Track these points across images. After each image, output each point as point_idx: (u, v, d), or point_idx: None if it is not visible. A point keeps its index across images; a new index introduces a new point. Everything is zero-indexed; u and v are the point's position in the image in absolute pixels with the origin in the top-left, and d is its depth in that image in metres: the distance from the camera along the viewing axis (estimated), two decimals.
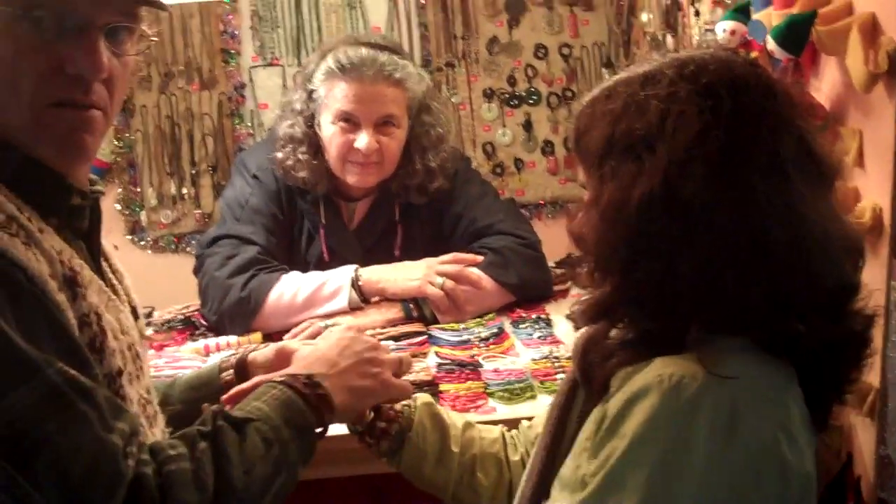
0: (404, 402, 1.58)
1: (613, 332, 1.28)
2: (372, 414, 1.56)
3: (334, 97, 2.44)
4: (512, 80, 3.33)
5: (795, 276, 1.17)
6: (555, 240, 2.75)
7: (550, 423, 1.37)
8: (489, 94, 3.34)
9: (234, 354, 1.68)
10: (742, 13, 2.03)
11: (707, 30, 2.28)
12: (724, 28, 2.02)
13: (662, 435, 1.13)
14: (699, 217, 1.16)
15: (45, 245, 1.17)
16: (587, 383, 1.31)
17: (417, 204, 2.58)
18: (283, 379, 1.37)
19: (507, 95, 3.33)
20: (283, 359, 1.57)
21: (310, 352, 1.51)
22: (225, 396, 1.48)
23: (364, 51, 2.44)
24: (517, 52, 3.33)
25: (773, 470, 1.14)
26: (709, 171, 1.16)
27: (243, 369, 1.63)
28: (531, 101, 3.34)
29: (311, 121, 2.52)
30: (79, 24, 1.18)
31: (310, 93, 2.51)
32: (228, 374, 1.61)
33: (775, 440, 1.14)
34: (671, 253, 1.17)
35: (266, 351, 1.62)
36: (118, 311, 1.29)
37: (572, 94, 3.34)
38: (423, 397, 1.63)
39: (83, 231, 1.29)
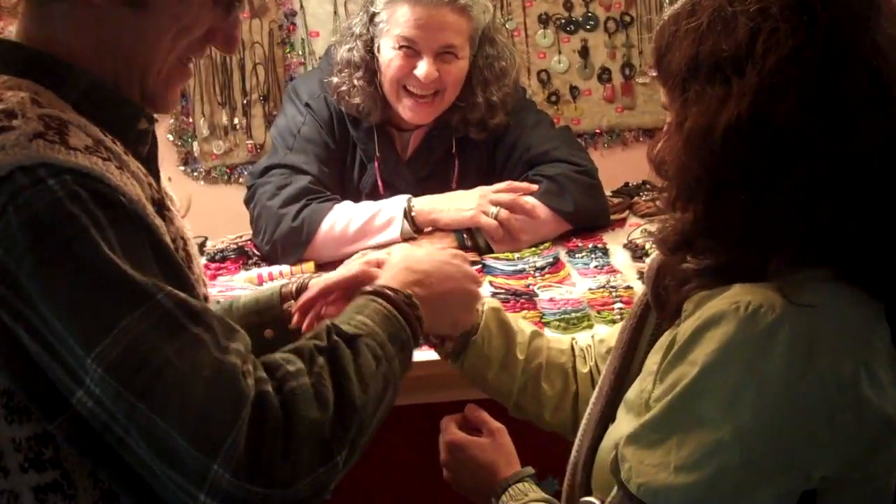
0: None
1: (689, 257, 1.22)
2: None
3: (396, 21, 2.38)
4: (568, 5, 3.23)
5: (894, 205, 1.11)
6: (611, 169, 2.71)
7: (620, 345, 1.34)
8: (544, 20, 3.24)
9: (292, 280, 1.65)
10: None
11: None
12: None
13: (735, 364, 1.08)
14: (792, 143, 1.09)
15: (133, 167, 1.15)
16: (660, 308, 1.27)
17: (476, 139, 2.51)
18: (382, 291, 1.31)
19: (563, 21, 3.24)
20: (368, 279, 1.46)
21: (410, 264, 1.42)
22: (296, 306, 1.48)
23: None
24: None
25: (848, 407, 1.08)
26: (803, 94, 1.09)
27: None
28: (588, 27, 3.25)
29: (370, 45, 2.46)
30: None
31: (371, 16, 2.44)
32: (288, 305, 1.57)
33: (855, 376, 1.08)
34: (760, 181, 1.11)
35: (347, 270, 1.55)
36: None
37: (631, 20, 3.24)
38: (490, 302, 1.60)
39: (143, 156, 1.26)
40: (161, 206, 1.17)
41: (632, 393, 1.25)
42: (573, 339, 1.64)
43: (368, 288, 1.33)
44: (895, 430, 1.11)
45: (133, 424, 1.03)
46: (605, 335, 1.60)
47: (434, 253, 1.52)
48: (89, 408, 1.04)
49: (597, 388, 1.39)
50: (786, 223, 1.12)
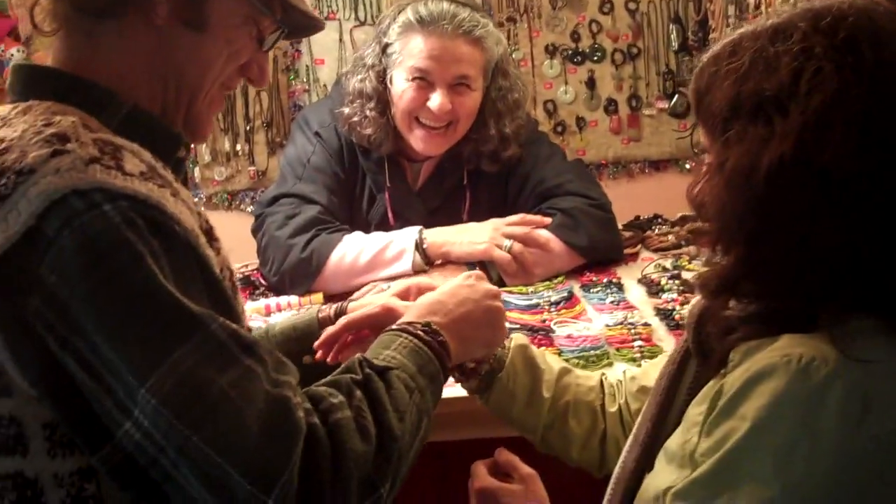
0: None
1: (732, 303, 1.19)
2: None
3: (409, 52, 2.35)
4: (575, 36, 3.22)
5: None
6: (617, 201, 2.67)
7: (658, 392, 1.31)
8: (551, 51, 3.22)
9: (330, 305, 1.63)
10: None
11: None
12: None
13: (787, 420, 1.04)
14: (837, 184, 1.06)
15: (183, 195, 1.14)
16: (702, 356, 1.23)
17: (488, 171, 2.48)
18: (403, 327, 1.32)
19: (570, 52, 3.22)
20: (390, 317, 1.47)
21: (425, 300, 1.44)
22: (317, 343, 1.48)
23: (445, 4, 2.33)
24: (581, 7, 3.21)
25: None
26: (849, 135, 1.06)
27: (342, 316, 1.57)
28: (595, 58, 3.23)
29: (382, 76, 2.42)
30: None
31: (384, 47, 2.41)
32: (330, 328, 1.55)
33: None
34: (804, 224, 1.08)
35: (370, 307, 1.54)
36: None
37: (638, 51, 3.22)
38: (517, 338, 1.58)
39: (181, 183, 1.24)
40: (210, 235, 1.15)
41: (673, 443, 1.21)
42: (603, 374, 1.61)
43: (392, 326, 1.34)
44: None
45: (184, 458, 1.00)
46: (636, 373, 1.57)
47: (447, 282, 1.50)
48: (136, 440, 1.01)
49: (632, 435, 1.35)
50: (831, 268, 1.08)
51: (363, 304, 1.59)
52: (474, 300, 1.43)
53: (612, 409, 1.54)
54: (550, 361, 1.58)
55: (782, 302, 1.13)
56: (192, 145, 1.33)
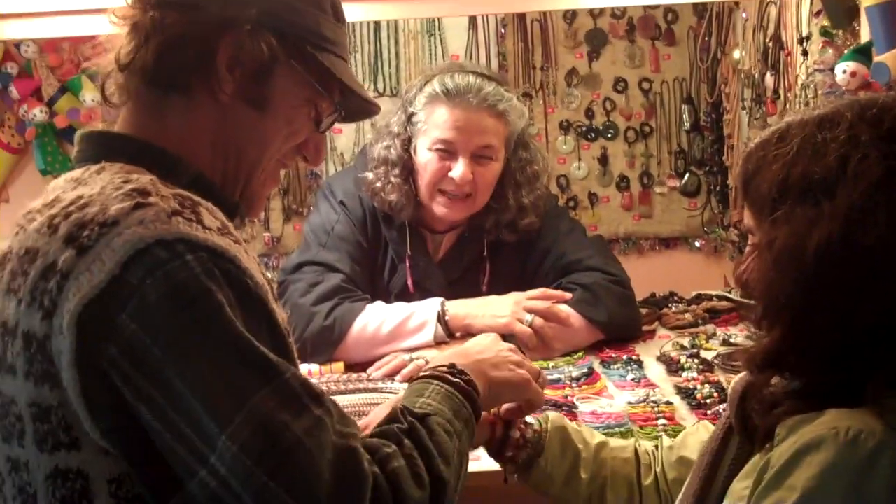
0: (534, 428, 1.54)
1: (775, 380, 1.21)
2: (501, 432, 1.53)
3: (434, 122, 2.39)
4: (589, 113, 3.29)
5: None
6: (629, 277, 2.70)
7: (701, 468, 1.32)
8: (565, 127, 3.29)
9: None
10: (863, 54, 1.98)
11: (816, 69, 2.22)
12: (845, 69, 1.98)
13: (837, 491, 1.06)
14: (882, 265, 1.10)
15: (251, 254, 1.17)
16: (744, 431, 1.25)
17: (507, 241, 2.51)
18: (431, 374, 1.36)
19: (583, 128, 3.29)
20: None
21: (447, 351, 1.52)
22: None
23: (471, 78, 2.39)
24: (596, 85, 3.28)
25: None
26: (892, 217, 1.10)
27: None
28: (608, 135, 3.29)
29: (407, 144, 2.46)
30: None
31: (410, 116, 2.45)
32: None
33: None
34: (849, 303, 1.11)
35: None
36: None
37: (651, 130, 3.28)
38: (554, 419, 1.59)
39: None
40: (273, 294, 1.18)
41: None
42: (637, 442, 1.63)
43: (420, 374, 1.38)
44: None
45: None
46: (673, 442, 1.58)
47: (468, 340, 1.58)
48: (212, 488, 1.03)
49: None
50: (872, 345, 1.11)
51: None
52: (495, 348, 1.51)
53: (648, 481, 1.55)
54: (586, 437, 1.59)
55: (827, 377, 1.15)
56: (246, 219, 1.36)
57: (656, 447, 1.59)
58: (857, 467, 1.06)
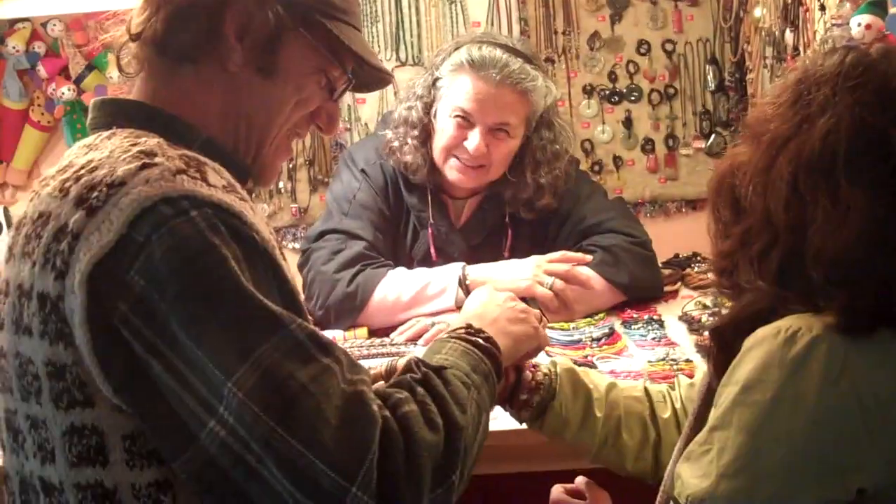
0: (545, 372, 1.57)
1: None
2: (513, 377, 1.56)
3: (456, 91, 2.40)
4: (613, 77, 3.26)
5: None
6: (655, 239, 2.70)
7: (700, 397, 1.36)
8: (589, 91, 3.27)
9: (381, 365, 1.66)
10: (879, 7, 1.95)
11: (834, 24, 2.19)
12: (860, 22, 1.95)
13: (772, 380, 1.13)
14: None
15: (258, 211, 1.20)
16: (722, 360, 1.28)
17: (525, 218, 2.52)
18: (449, 334, 1.38)
19: (607, 92, 3.26)
20: None
21: (458, 317, 1.52)
22: None
23: (498, 52, 2.39)
24: (619, 48, 3.25)
25: (885, 432, 1.12)
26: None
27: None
28: (632, 98, 3.26)
29: (429, 108, 2.48)
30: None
31: (435, 80, 2.47)
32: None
33: (889, 400, 1.12)
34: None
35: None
36: None
37: (675, 91, 3.26)
38: (563, 363, 1.62)
39: None
40: (280, 250, 1.20)
41: None
42: (645, 385, 1.66)
43: (438, 337, 1.41)
44: None
45: (270, 451, 1.05)
46: (693, 381, 1.62)
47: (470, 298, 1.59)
48: (221, 438, 1.06)
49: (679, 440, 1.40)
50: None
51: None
52: (499, 303, 1.53)
53: (666, 415, 1.59)
54: (596, 380, 1.62)
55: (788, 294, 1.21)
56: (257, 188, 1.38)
57: (671, 387, 1.62)
58: (792, 361, 1.13)
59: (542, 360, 1.63)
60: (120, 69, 1.34)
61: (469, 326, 1.40)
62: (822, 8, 2.29)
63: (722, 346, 1.24)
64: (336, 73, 1.35)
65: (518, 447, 1.70)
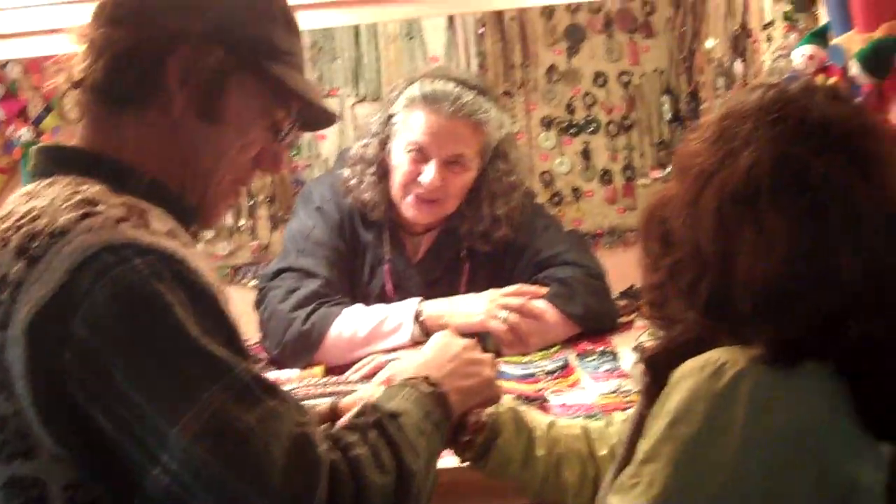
0: (489, 412, 1.57)
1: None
2: (457, 418, 1.54)
3: (410, 125, 2.42)
4: (570, 109, 3.30)
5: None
6: (614, 270, 2.72)
7: (631, 425, 1.36)
8: (547, 123, 3.30)
9: (323, 404, 1.65)
10: (820, 37, 1.99)
11: (780, 55, 2.23)
12: (803, 53, 1.99)
13: (698, 413, 1.14)
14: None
15: (202, 258, 1.20)
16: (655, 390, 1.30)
17: (482, 251, 2.54)
18: (404, 382, 1.39)
19: (565, 124, 3.30)
20: None
21: (411, 362, 1.52)
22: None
23: (451, 85, 2.40)
24: (576, 81, 3.29)
25: (809, 462, 1.13)
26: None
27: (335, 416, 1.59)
28: (590, 130, 3.30)
29: (384, 144, 2.49)
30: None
31: (389, 116, 2.48)
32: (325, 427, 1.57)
33: (815, 432, 1.14)
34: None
35: (353, 398, 1.58)
36: None
37: (632, 123, 3.30)
38: (506, 401, 1.62)
39: None
40: (224, 299, 1.21)
41: None
42: (582, 422, 1.67)
43: (393, 383, 1.41)
44: (861, 494, 1.15)
45: (217, 496, 1.05)
46: (628, 411, 1.62)
47: (431, 341, 1.58)
48: (165, 485, 1.05)
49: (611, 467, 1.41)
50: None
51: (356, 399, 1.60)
52: (455, 353, 1.52)
53: (603, 451, 1.59)
54: (537, 418, 1.63)
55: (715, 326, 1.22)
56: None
57: (608, 424, 1.63)
58: (717, 394, 1.14)
59: None
60: (62, 115, 1.35)
61: (425, 378, 1.40)
62: (769, 39, 2.33)
63: (654, 375, 1.25)
64: (281, 114, 1.36)
65: (461, 483, 1.69)
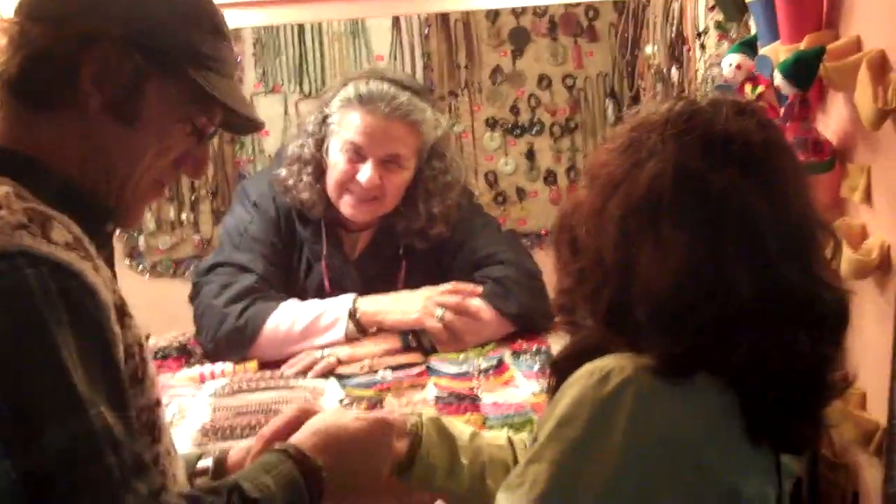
0: (412, 423, 1.57)
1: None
2: None
3: (346, 126, 2.42)
4: (515, 110, 3.33)
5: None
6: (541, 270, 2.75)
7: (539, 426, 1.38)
8: (492, 124, 3.33)
9: (209, 455, 1.59)
10: (748, 47, 2.02)
11: (713, 64, 2.27)
12: (730, 62, 2.02)
13: (583, 418, 1.16)
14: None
15: (103, 274, 1.17)
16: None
17: (419, 248, 2.55)
18: (294, 454, 1.34)
19: (509, 125, 3.33)
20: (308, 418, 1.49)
21: (331, 435, 1.44)
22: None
23: (386, 86, 2.41)
24: (521, 82, 3.32)
25: (687, 471, 1.16)
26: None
27: (221, 469, 1.55)
28: (534, 131, 3.33)
29: (320, 144, 2.49)
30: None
31: (325, 117, 2.48)
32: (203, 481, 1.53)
33: (695, 442, 1.16)
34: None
35: (270, 426, 1.52)
36: None
37: (575, 125, 3.33)
38: (428, 412, 1.63)
39: (104, 259, 1.27)
40: (122, 312, 1.18)
41: None
42: (508, 432, 1.68)
43: (281, 446, 1.36)
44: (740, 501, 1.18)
45: None
46: None
47: (354, 423, 1.49)
48: None
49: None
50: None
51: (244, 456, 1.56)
52: (372, 452, 1.46)
53: None
54: (460, 428, 1.62)
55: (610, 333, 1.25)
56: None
57: (531, 432, 1.63)
58: (601, 400, 1.16)
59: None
60: None
61: (316, 467, 1.35)
62: (703, 47, 2.37)
63: (558, 379, 1.27)
64: (202, 120, 1.34)
65: None
